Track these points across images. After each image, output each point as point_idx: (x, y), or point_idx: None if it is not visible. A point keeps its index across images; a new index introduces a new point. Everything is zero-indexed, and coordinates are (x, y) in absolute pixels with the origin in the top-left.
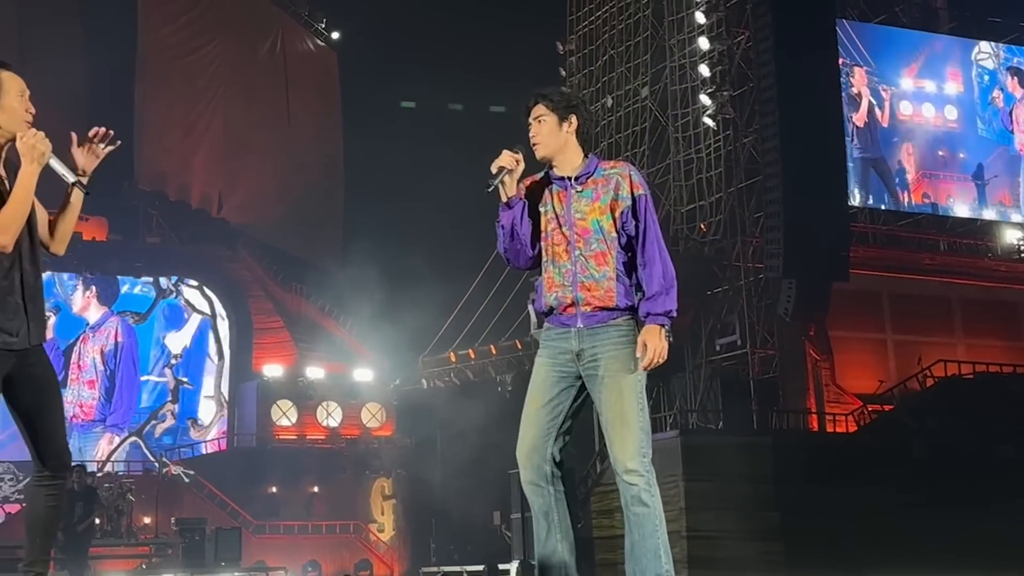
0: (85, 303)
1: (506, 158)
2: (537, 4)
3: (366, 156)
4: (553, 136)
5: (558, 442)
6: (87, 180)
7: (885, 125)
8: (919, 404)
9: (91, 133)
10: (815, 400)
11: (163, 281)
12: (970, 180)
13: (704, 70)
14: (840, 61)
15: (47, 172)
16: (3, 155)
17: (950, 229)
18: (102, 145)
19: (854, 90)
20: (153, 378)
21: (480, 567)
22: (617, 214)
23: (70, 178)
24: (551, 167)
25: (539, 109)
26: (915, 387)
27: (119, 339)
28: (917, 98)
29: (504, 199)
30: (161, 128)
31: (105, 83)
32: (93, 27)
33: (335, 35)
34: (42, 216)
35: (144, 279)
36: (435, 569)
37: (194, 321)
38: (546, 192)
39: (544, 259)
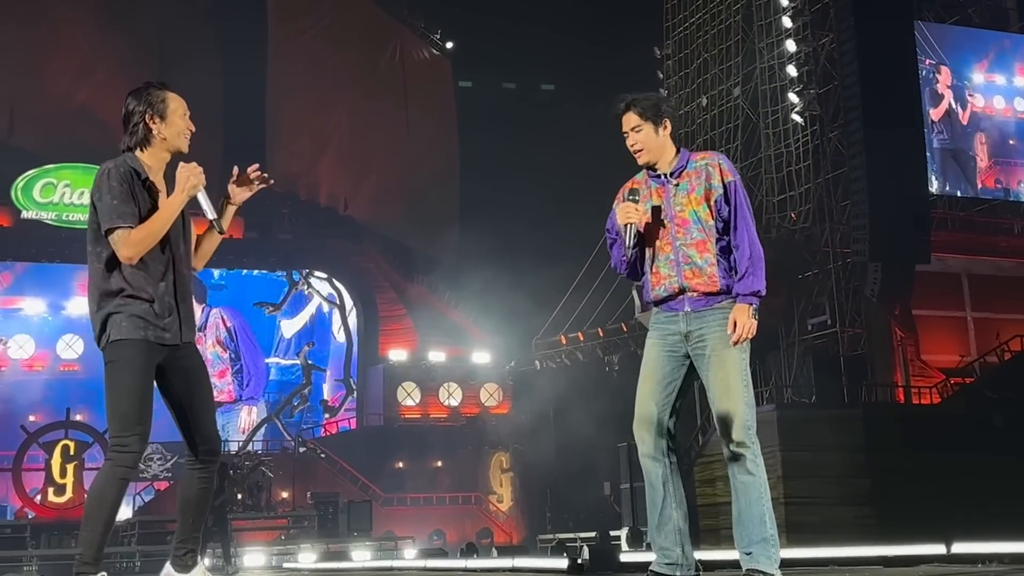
0: None
1: (634, 214)
2: (636, 14)
3: (480, 154)
4: (652, 141)
5: (672, 417)
6: (233, 212)
7: (965, 123)
8: (998, 377)
9: (249, 170)
10: (901, 374)
11: (295, 274)
12: None
13: (792, 70)
14: (927, 62)
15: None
16: (165, 168)
17: None
18: (257, 182)
19: (939, 88)
20: (282, 361)
21: (593, 534)
22: (711, 202)
23: (210, 215)
24: (650, 169)
25: (632, 119)
26: (994, 361)
27: (228, 324)
28: (988, 91)
29: (632, 250)
30: (291, 133)
31: (239, 91)
32: (227, 40)
33: (449, 45)
34: (193, 230)
35: (278, 272)
36: (551, 536)
37: (323, 310)
38: (645, 192)
39: (647, 255)
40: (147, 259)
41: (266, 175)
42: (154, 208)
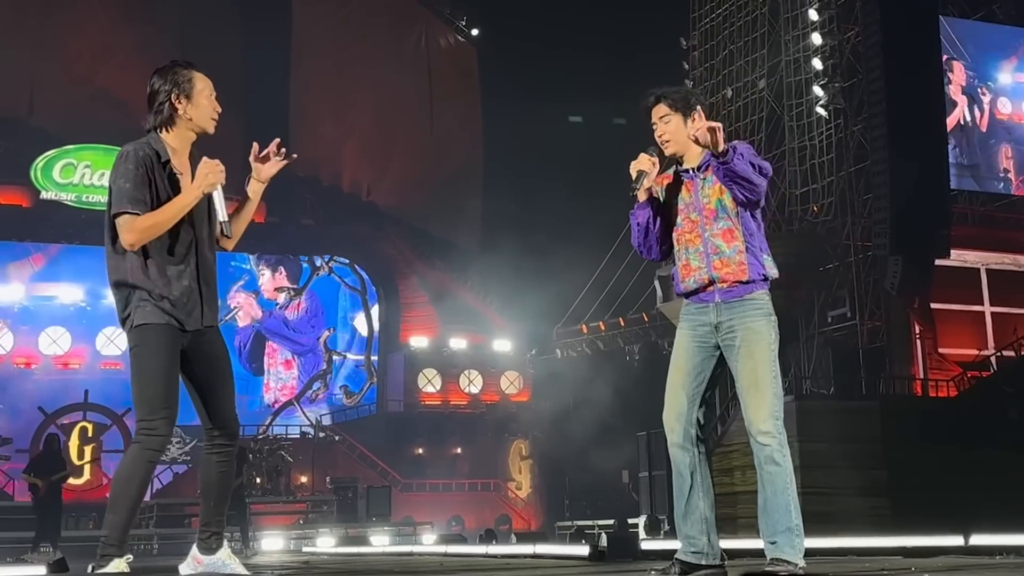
0: (275, 283)
1: (645, 162)
2: (662, 4)
3: (503, 142)
4: (680, 132)
5: (701, 408)
6: (261, 190)
7: (984, 130)
8: (1015, 371)
9: (271, 147)
10: (919, 367)
11: (317, 260)
12: None
13: (817, 63)
14: (943, 58)
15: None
16: (191, 148)
17: None
18: (279, 158)
19: (950, 90)
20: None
21: (611, 521)
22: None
23: (220, 216)
24: (678, 162)
25: (661, 109)
26: (1011, 355)
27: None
28: (1017, 94)
29: (642, 199)
30: (314, 117)
31: (262, 74)
32: (251, 22)
33: (474, 32)
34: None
35: (300, 258)
36: (569, 523)
37: (345, 297)
38: (675, 187)
39: (677, 248)
40: (168, 242)
41: (285, 150)
42: (173, 192)
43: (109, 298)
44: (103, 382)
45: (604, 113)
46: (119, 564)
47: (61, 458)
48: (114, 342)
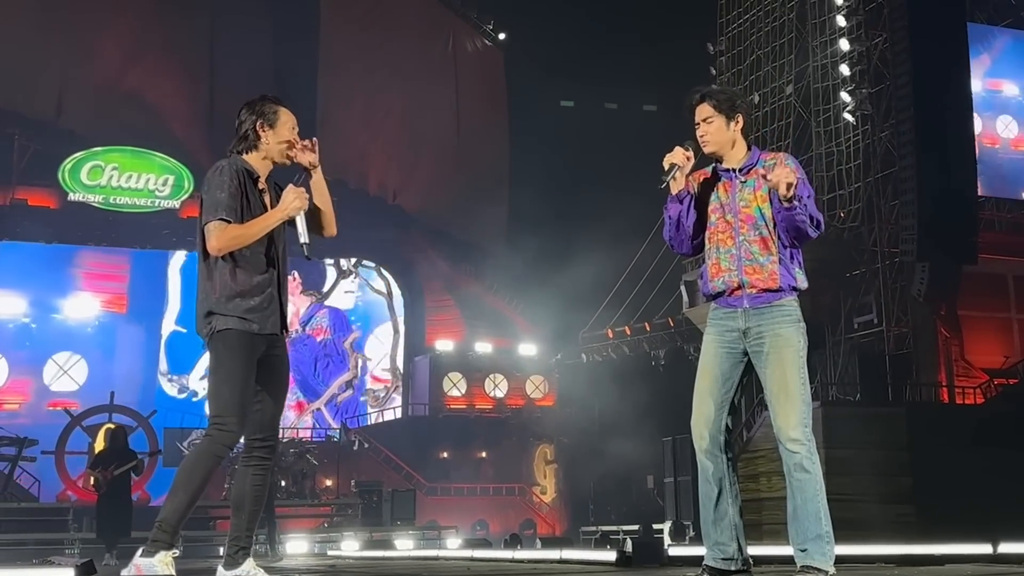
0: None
1: (679, 155)
2: (690, 9)
3: (530, 147)
4: (721, 134)
5: (729, 414)
6: (320, 179)
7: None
8: None
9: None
10: (945, 374)
11: (343, 262)
12: None
13: (844, 69)
14: None
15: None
16: (270, 173)
17: None
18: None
19: None
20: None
21: (636, 527)
22: (771, 198)
23: (302, 239)
24: (718, 161)
25: (705, 110)
26: None
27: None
28: (988, 107)
29: (674, 192)
30: (341, 120)
31: (290, 77)
32: (279, 27)
33: (501, 36)
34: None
35: (326, 260)
36: (594, 528)
37: (371, 299)
38: (712, 185)
39: (708, 247)
40: (257, 254)
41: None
42: (260, 210)
43: (62, 312)
44: (52, 428)
45: (631, 123)
46: (165, 559)
47: (129, 451)
48: (69, 374)
